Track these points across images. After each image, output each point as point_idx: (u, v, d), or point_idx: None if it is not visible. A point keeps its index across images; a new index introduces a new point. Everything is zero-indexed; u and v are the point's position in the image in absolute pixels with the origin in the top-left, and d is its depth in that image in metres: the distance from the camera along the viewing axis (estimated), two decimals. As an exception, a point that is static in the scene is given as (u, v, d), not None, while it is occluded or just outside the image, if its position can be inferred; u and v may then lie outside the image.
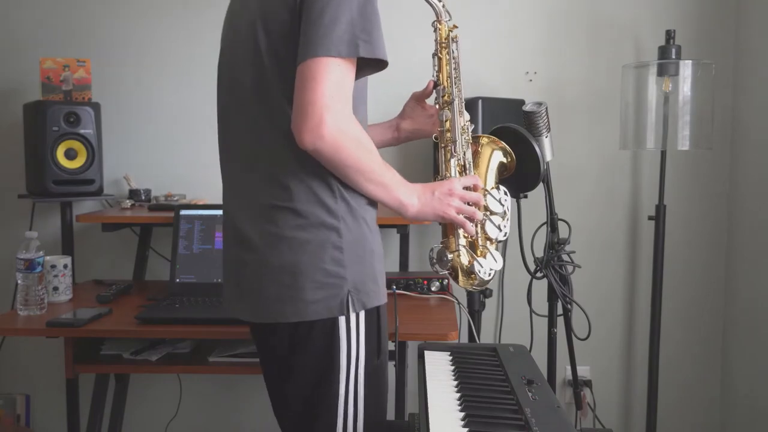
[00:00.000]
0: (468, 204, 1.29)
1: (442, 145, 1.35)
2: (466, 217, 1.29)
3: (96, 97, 2.29)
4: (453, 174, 1.33)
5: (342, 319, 1.18)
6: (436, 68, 1.37)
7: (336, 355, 1.18)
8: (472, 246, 1.34)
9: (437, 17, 1.36)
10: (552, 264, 1.96)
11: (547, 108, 1.84)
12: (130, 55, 2.47)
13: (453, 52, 1.36)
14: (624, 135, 2.23)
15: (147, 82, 2.46)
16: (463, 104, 1.37)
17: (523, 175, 1.82)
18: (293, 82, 1.13)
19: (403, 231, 2.28)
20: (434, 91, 1.38)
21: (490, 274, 1.33)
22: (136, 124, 2.48)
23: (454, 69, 1.36)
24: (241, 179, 1.25)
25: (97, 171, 2.22)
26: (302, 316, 1.16)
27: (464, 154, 1.35)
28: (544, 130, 1.85)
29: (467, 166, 1.35)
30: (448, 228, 1.34)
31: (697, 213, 2.46)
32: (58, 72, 2.23)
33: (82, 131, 2.18)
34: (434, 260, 1.34)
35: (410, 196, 1.23)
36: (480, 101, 2.12)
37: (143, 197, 2.36)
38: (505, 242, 2.46)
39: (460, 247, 1.32)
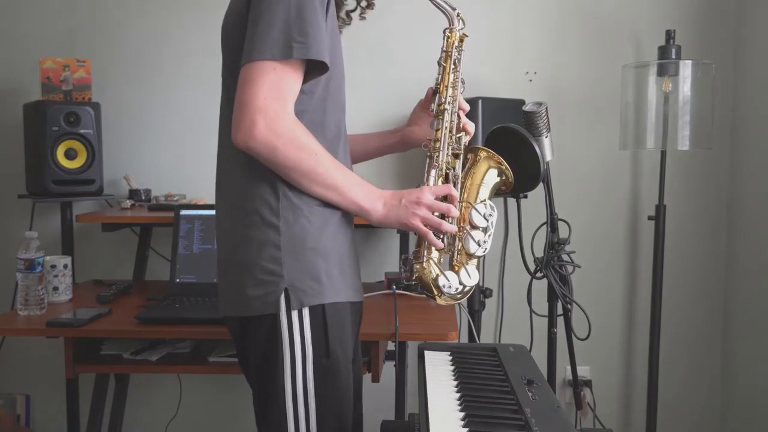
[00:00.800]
0: (438, 215, 1.25)
1: (428, 154, 1.32)
2: (432, 228, 1.25)
3: (96, 97, 2.29)
4: (431, 184, 1.30)
5: (283, 316, 1.18)
6: (439, 76, 1.35)
7: (279, 350, 1.18)
8: (451, 259, 1.30)
9: (449, 24, 1.34)
10: (552, 264, 1.96)
11: (547, 108, 1.84)
12: (130, 55, 2.47)
13: (457, 62, 1.34)
14: (624, 135, 2.23)
15: (147, 82, 2.46)
16: (457, 114, 1.34)
17: (523, 175, 1.83)
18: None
19: (403, 232, 2.28)
20: (433, 99, 1.36)
21: (458, 290, 1.29)
22: (136, 124, 2.48)
23: (454, 79, 1.34)
24: (217, 176, 1.31)
25: (97, 171, 2.22)
26: (245, 311, 1.20)
27: (447, 164, 1.31)
28: (544, 130, 1.85)
29: (450, 177, 1.31)
30: (420, 237, 1.29)
31: (697, 213, 2.46)
32: (58, 72, 2.23)
33: (82, 131, 2.18)
34: (403, 269, 1.30)
35: (373, 201, 1.22)
36: (480, 101, 2.12)
37: (143, 197, 2.36)
38: (504, 242, 2.46)
39: (426, 258, 1.28)
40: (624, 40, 2.42)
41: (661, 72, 2.14)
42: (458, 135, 1.33)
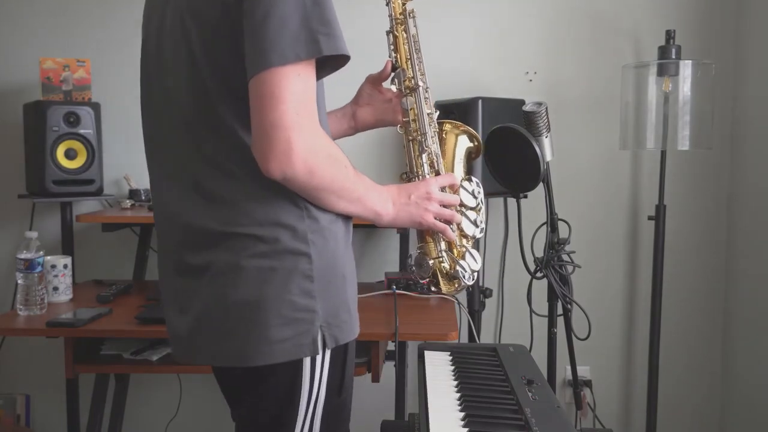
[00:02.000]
0: (446, 207, 1.18)
1: (410, 138, 1.22)
2: (446, 221, 1.18)
3: (96, 97, 2.29)
4: (426, 172, 1.21)
5: (307, 359, 1.03)
6: (392, 47, 1.22)
7: (296, 399, 1.04)
8: (450, 246, 1.23)
9: None
10: (552, 264, 1.96)
11: (547, 108, 1.84)
12: (130, 55, 2.46)
13: (411, 29, 1.22)
14: (624, 135, 2.23)
15: (147, 82, 2.46)
16: (428, 90, 1.23)
17: (523, 175, 1.83)
18: (231, 84, 0.99)
19: (403, 231, 2.28)
20: (393, 74, 1.23)
21: (473, 277, 1.23)
22: (136, 124, 2.45)
23: (415, 50, 1.22)
24: (175, 198, 1.07)
25: (97, 171, 2.22)
26: (267, 358, 1.00)
27: (433, 146, 1.22)
28: (544, 130, 1.85)
29: (436, 159, 1.23)
30: (426, 231, 1.22)
31: (697, 213, 2.46)
32: (58, 72, 2.23)
33: (82, 131, 2.18)
34: (413, 267, 1.23)
35: (384, 203, 1.10)
36: (480, 101, 2.12)
37: (143, 197, 2.36)
38: (504, 242, 2.46)
39: (442, 252, 1.22)
40: (624, 40, 2.42)
41: (661, 72, 2.14)
42: (429, 112, 1.23)
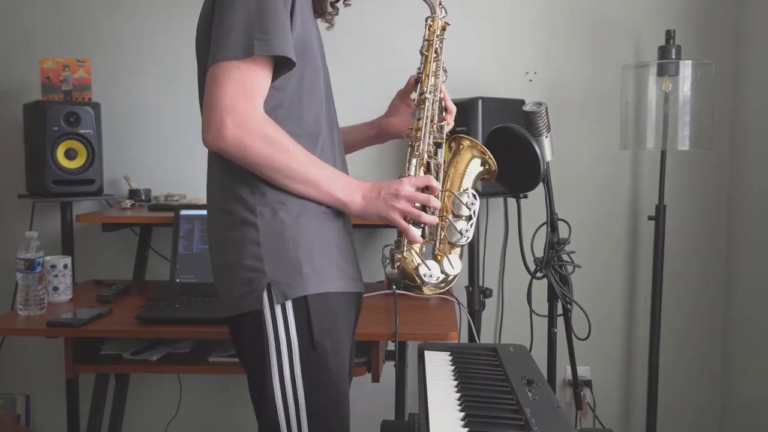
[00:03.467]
0: (418, 207, 1.24)
1: (409, 143, 1.31)
2: (411, 221, 1.24)
3: (96, 97, 2.29)
4: (413, 174, 1.29)
5: (267, 311, 1.18)
6: (421, 66, 1.34)
7: (264, 346, 1.19)
8: (419, 248, 1.28)
9: (432, 12, 1.32)
10: (552, 264, 1.96)
11: (547, 108, 1.84)
12: (130, 55, 2.47)
13: (438, 50, 1.33)
14: (624, 135, 2.23)
15: (147, 82, 2.46)
16: (439, 104, 1.33)
17: (523, 175, 1.83)
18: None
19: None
20: (415, 88, 1.35)
21: (440, 279, 1.27)
22: (136, 124, 2.48)
23: (436, 67, 1.33)
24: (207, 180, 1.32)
25: (97, 171, 2.22)
26: (234, 309, 1.21)
27: (429, 154, 1.30)
28: (544, 130, 1.86)
29: (435, 167, 1.30)
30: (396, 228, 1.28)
31: (697, 213, 2.46)
32: (58, 72, 2.23)
33: (82, 131, 2.18)
34: (386, 259, 1.30)
35: (351, 193, 1.22)
36: (480, 101, 2.12)
37: (143, 197, 2.36)
38: (504, 242, 2.46)
39: (406, 248, 1.27)
40: (624, 40, 2.42)
41: (661, 72, 2.14)
42: (440, 124, 1.33)
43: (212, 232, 1.27)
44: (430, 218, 1.25)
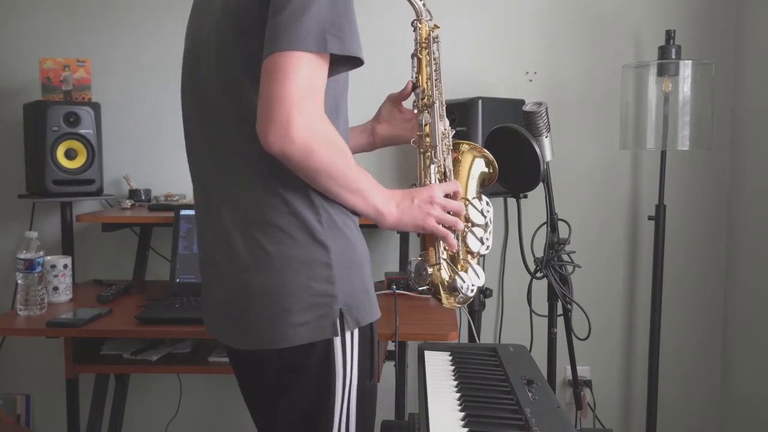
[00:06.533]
0: (449, 213, 1.18)
1: (421, 150, 1.25)
2: (447, 228, 1.18)
3: (96, 97, 2.29)
4: (433, 181, 1.22)
5: (337, 341, 1.08)
6: (416, 69, 1.28)
7: (332, 382, 1.08)
8: (453, 260, 1.23)
9: (417, 16, 1.28)
10: (552, 264, 1.96)
11: (547, 108, 1.84)
12: (130, 55, 2.47)
13: (434, 53, 1.27)
14: (624, 135, 2.23)
15: (147, 82, 2.46)
16: (444, 108, 1.28)
17: (523, 175, 1.83)
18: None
19: (404, 231, 2.28)
20: (413, 93, 1.29)
21: (473, 290, 1.22)
22: (136, 124, 2.48)
23: (435, 71, 1.27)
24: (208, 191, 1.15)
25: (97, 171, 2.22)
26: (290, 340, 1.06)
27: (444, 160, 1.25)
28: (544, 130, 1.85)
29: (447, 173, 1.25)
30: (427, 239, 1.22)
31: (697, 213, 2.46)
32: (58, 72, 2.23)
33: (82, 131, 2.18)
34: (412, 274, 1.23)
35: (387, 204, 1.12)
36: (480, 101, 2.12)
37: (143, 197, 2.36)
38: (504, 242, 2.46)
39: (441, 260, 1.20)
40: (624, 40, 2.42)
41: (661, 72, 2.14)
42: (444, 129, 1.27)
43: (240, 250, 1.08)
44: (462, 225, 1.20)
